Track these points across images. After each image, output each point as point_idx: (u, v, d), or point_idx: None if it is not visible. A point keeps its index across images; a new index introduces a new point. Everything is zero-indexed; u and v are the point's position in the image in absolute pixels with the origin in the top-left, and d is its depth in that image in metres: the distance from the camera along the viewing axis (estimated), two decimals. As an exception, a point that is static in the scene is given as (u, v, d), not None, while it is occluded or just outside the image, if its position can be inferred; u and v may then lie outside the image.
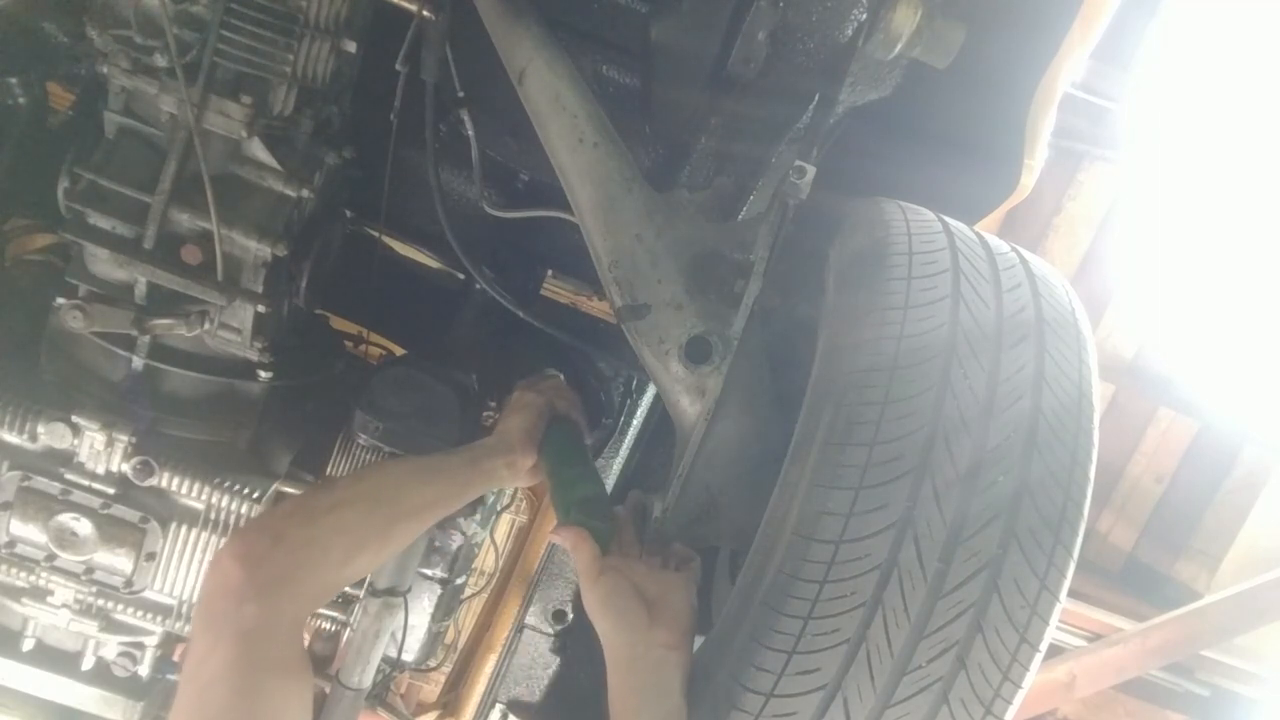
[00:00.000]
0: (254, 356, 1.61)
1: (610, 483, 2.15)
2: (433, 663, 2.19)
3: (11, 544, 1.58)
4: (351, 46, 1.47)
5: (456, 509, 1.48)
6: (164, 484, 1.58)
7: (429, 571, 1.87)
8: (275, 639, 1.12)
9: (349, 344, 2.16)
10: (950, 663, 0.99)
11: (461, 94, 1.68)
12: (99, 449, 1.55)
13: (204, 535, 1.61)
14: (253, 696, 1.08)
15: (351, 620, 1.81)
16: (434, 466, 1.43)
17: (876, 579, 0.99)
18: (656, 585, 1.21)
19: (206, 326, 1.55)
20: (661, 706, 1.11)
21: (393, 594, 1.78)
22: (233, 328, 1.57)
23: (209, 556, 1.62)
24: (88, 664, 1.72)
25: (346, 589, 1.79)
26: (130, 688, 1.73)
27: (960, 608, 0.98)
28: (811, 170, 1.21)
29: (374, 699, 2.07)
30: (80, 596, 1.63)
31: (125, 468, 1.55)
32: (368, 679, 1.85)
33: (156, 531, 1.59)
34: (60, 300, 1.50)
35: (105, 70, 1.42)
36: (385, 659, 1.88)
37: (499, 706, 2.50)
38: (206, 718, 1.08)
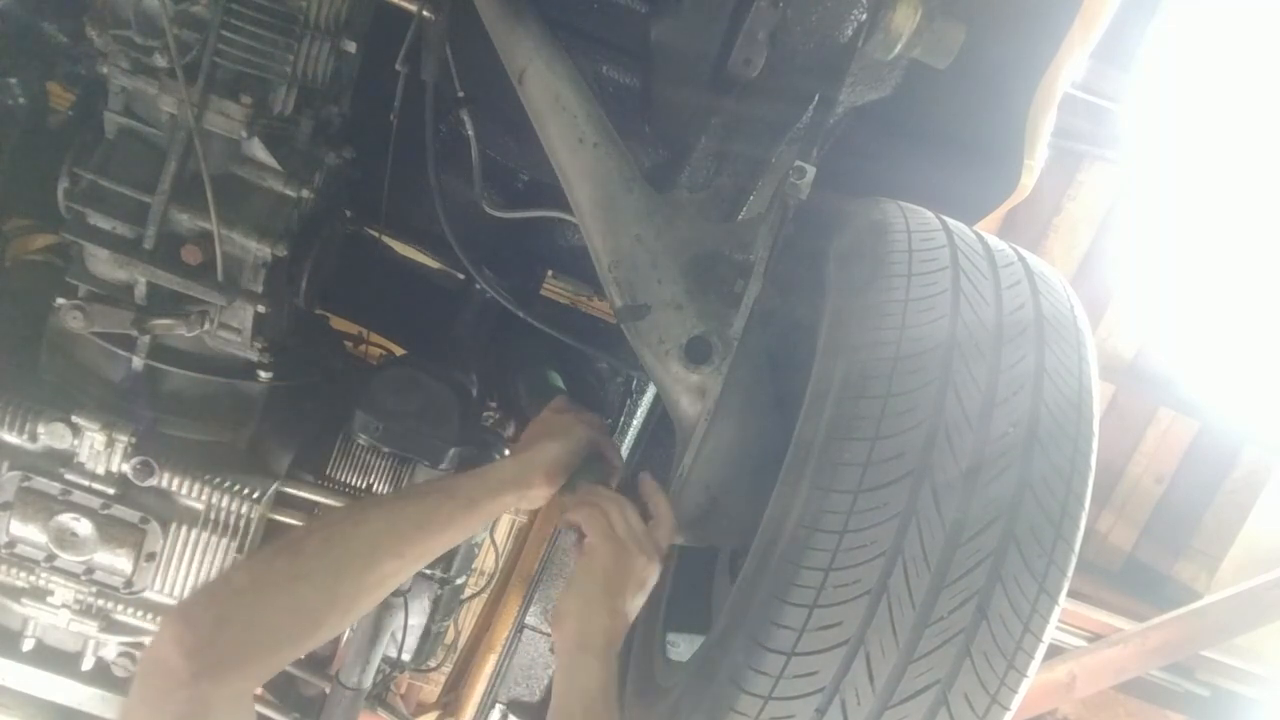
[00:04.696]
0: (254, 356, 1.61)
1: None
2: (433, 663, 2.19)
3: (11, 544, 1.58)
4: (351, 46, 1.47)
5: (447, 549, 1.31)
6: (164, 484, 1.58)
7: (429, 571, 1.87)
8: (215, 717, 1.03)
9: (349, 344, 2.16)
10: (954, 654, 1.00)
11: (461, 94, 1.68)
12: (99, 449, 1.55)
13: (204, 535, 1.61)
14: None
15: (351, 620, 1.81)
16: (424, 516, 1.22)
17: (881, 566, 1.00)
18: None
19: (206, 326, 1.55)
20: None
21: (393, 594, 1.78)
22: (233, 328, 1.57)
23: (209, 556, 1.62)
24: (88, 664, 1.72)
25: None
26: (130, 688, 1.73)
27: (965, 594, 1.00)
28: (811, 170, 1.21)
29: (374, 699, 2.07)
30: (80, 596, 1.62)
31: (125, 468, 1.55)
32: (368, 679, 1.85)
33: (156, 532, 1.59)
34: (60, 300, 1.50)
35: (105, 70, 1.42)
36: (385, 659, 1.88)
37: (499, 706, 2.51)
38: None
